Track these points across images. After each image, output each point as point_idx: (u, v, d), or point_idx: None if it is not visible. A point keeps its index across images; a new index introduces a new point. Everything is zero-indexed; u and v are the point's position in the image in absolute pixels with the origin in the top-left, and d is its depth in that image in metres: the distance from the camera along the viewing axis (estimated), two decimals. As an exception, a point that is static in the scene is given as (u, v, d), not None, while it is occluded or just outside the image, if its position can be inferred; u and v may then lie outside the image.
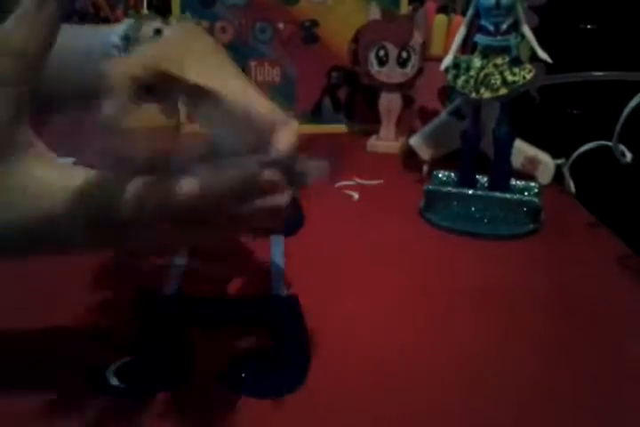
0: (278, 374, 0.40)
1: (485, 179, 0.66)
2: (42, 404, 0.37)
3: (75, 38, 0.54)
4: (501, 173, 0.64)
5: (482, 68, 0.60)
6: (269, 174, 0.30)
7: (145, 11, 0.85)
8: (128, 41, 0.50)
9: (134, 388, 0.39)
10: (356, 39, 0.86)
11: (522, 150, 0.70)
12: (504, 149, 0.63)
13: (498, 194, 0.62)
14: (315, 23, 0.88)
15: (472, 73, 0.60)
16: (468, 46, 0.68)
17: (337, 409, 0.37)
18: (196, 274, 0.53)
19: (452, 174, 0.67)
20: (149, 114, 0.37)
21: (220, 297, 0.50)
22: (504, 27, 0.58)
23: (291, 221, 0.62)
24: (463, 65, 0.61)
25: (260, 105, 0.41)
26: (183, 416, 0.36)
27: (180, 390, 0.39)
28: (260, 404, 0.38)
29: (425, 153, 0.75)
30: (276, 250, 0.57)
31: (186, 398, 0.38)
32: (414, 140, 0.75)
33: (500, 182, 0.64)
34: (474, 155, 0.64)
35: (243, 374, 0.40)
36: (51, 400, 0.37)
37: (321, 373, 0.40)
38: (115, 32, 0.51)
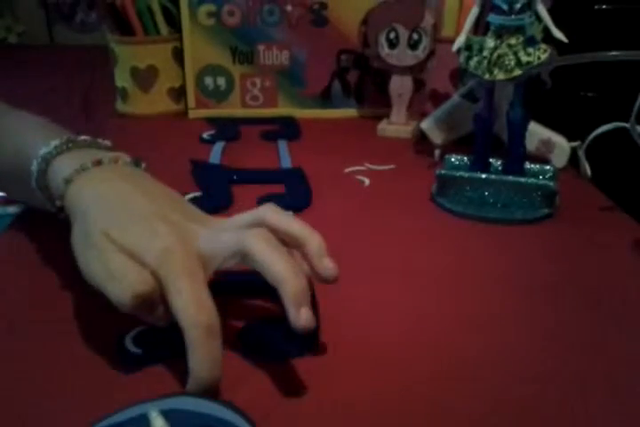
0: (289, 341, 0.41)
1: (499, 162, 0.64)
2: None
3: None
4: (515, 156, 0.62)
5: (495, 48, 0.58)
6: None
7: None
8: (49, 159, 0.48)
9: (151, 354, 0.41)
10: (365, 21, 0.84)
11: (536, 133, 0.69)
12: (518, 132, 0.61)
13: (512, 178, 0.61)
14: (324, 5, 0.87)
15: (485, 54, 0.59)
16: (480, 27, 0.67)
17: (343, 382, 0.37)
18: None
19: (465, 158, 0.66)
20: None
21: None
22: (518, 5, 0.56)
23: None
24: (476, 46, 0.60)
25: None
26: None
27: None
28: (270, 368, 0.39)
29: (437, 137, 0.73)
30: None
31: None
32: (426, 124, 0.74)
33: (514, 166, 0.63)
34: (487, 138, 0.63)
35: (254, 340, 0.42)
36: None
37: (329, 352, 0.41)
38: (45, 145, 0.49)
